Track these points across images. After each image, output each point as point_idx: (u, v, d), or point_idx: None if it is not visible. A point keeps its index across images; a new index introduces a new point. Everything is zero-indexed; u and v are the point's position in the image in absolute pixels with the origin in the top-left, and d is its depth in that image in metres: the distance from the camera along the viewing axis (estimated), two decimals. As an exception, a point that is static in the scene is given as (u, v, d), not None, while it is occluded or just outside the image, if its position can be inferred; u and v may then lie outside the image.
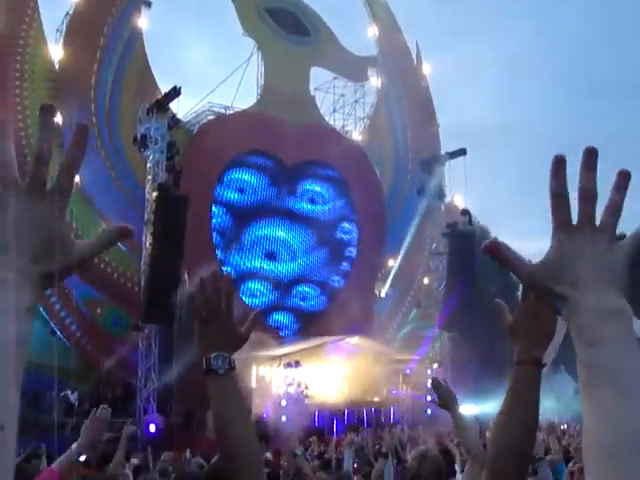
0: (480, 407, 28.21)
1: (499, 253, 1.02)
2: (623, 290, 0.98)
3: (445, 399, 3.95)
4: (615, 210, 1.01)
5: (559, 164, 1.00)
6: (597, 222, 1.01)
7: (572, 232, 1.00)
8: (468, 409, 27.59)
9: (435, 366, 31.22)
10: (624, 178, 1.01)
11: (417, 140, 35.92)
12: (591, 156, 1.00)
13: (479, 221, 40.44)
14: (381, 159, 35.54)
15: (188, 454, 13.74)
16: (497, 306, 1.99)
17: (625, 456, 0.86)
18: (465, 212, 34.34)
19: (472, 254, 33.49)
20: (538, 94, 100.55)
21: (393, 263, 34.49)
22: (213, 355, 1.91)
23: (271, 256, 32.36)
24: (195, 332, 1.97)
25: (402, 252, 34.42)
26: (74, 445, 3.95)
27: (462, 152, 33.97)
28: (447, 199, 35.59)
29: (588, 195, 1.00)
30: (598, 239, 1.00)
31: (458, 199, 35.64)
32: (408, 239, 34.55)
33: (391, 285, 34.22)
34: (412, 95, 36.97)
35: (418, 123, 36.08)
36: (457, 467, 8.01)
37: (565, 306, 0.99)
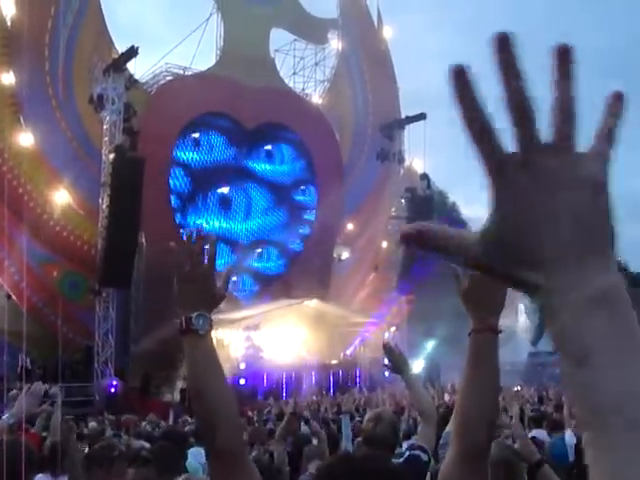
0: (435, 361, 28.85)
1: (425, 241, 0.66)
2: (610, 252, 0.62)
3: (398, 364, 3.99)
4: (609, 135, 0.64)
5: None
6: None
7: (536, 163, 0.61)
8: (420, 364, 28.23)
9: (393, 329, 31.55)
10: (618, 101, 0.65)
11: (377, 104, 35.80)
12: (567, 58, 0.63)
13: (438, 186, 40.76)
14: (341, 122, 35.40)
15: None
16: (452, 273, 1.99)
17: None
18: (424, 176, 34.55)
19: (430, 218, 33.72)
20: (487, 59, 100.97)
21: (352, 227, 34.59)
22: (194, 315, 1.88)
23: (229, 217, 32.25)
24: (175, 290, 1.94)
25: (361, 216, 34.56)
26: (6, 415, 3.96)
27: (422, 117, 34.05)
28: (406, 163, 35.74)
29: (565, 109, 0.62)
30: (581, 168, 0.62)
31: (417, 163, 35.78)
32: (367, 203, 34.66)
33: (350, 249, 34.34)
34: (372, 59, 36.75)
35: (378, 87, 35.92)
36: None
37: (537, 299, 0.63)
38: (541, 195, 0.61)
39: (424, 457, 3.76)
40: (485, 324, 1.93)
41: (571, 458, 7.55)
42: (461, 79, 0.62)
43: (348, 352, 29.93)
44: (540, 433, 8.16)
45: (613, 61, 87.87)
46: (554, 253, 0.61)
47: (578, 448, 6.97)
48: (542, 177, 0.61)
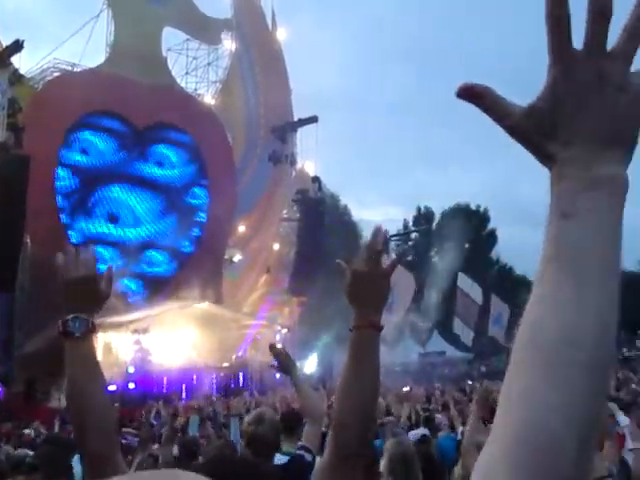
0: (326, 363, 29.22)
1: (481, 98, 0.74)
2: (628, 149, 0.74)
3: (285, 365, 4.05)
4: (635, 33, 0.72)
5: None
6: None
7: (573, 62, 0.72)
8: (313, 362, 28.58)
9: (284, 331, 31.70)
10: None
11: (270, 106, 35.90)
12: None
13: (329, 188, 41.25)
14: (233, 124, 35.30)
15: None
16: (339, 268, 1.99)
17: (555, 359, 0.66)
18: (315, 179, 34.92)
19: (322, 220, 34.18)
20: (382, 64, 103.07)
21: (244, 229, 34.54)
22: (70, 317, 1.88)
23: (118, 222, 31.56)
24: (60, 295, 1.93)
25: (252, 218, 34.56)
26: None
27: (314, 120, 34.42)
28: (298, 166, 35.99)
29: (600, 12, 0.70)
30: (607, 72, 0.72)
31: (309, 166, 36.08)
32: (259, 205, 34.70)
33: (241, 251, 34.29)
34: (265, 60, 36.82)
35: (271, 89, 36.02)
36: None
37: (553, 169, 0.74)
38: (580, 85, 0.72)
39: (308, 457, 3.81)
40: (366, 320, 1.91)
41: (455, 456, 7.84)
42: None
43: (240, 354, 29.85)
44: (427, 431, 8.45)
45: (512, 64, 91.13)
46: (582, 136, 0.72)
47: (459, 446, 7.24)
48: (583, 72, 0.72)
